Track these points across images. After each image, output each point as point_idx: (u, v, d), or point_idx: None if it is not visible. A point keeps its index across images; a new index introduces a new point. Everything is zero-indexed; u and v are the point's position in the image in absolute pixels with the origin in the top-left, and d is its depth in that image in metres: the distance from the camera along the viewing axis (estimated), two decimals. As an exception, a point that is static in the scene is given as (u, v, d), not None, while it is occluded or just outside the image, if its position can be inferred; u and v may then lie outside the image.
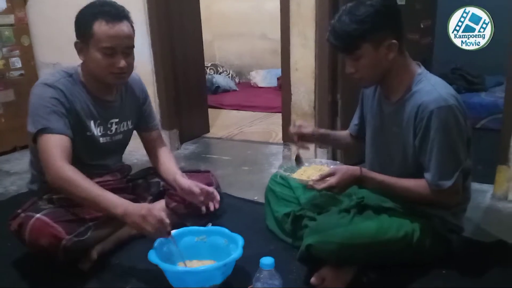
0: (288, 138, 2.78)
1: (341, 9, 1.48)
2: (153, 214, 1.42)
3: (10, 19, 3.23)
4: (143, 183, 1.94)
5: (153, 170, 1.97)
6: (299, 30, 2.59)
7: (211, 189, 1.75)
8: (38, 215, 1.55)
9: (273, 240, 1.85)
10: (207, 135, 3.69)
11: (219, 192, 1.92)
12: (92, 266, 1.65)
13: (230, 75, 5.80)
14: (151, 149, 1.93)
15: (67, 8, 3.09)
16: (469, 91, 3.92)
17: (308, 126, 1.76)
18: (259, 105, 4.64)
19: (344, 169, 1.50)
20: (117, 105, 1.78)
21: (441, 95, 1.41)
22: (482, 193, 2.30)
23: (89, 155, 1.71)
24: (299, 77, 2.68)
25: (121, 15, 1.59)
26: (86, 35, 1.57)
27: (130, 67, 1.65)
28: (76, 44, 1.62)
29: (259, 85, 5.62)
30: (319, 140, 1.78)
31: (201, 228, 1.66)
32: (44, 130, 1.54)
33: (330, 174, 1.48)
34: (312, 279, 1.51)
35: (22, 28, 3.31)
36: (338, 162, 1.85)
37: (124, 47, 1.60)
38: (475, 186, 2.03)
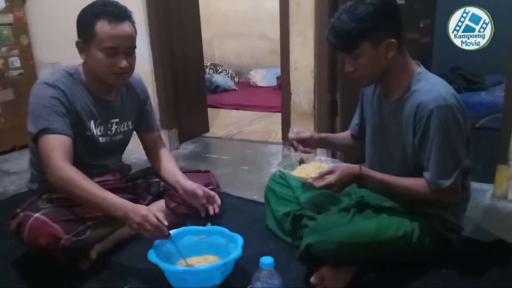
0: (287, 138, 2.78)
1: (340, 8, 1.47)
2: (149, 221, 1.42)
3: (9, 18, 3.22)
4: (143, 183, 1.94)
5: (152, 170, 1.97)
6: (298, 29, 2.59)
7: (213, 193, 1.75)
8: (37, 215, 1.54)
9: (272, 240, 1.85)
10: (207, 134, 3.69)
11: (219, 192, 1.92)
12: (91, 266, 1.64)
13: (229, 74, 5.80)
14: (151, 150, 1.93)
15: (66, 8, 3.12)
16: (468, 90, 3.92)
17: (306, 131, 1.76)
18: (258, 104, 4.64)
19: (343, 167, 1.50)
20: (117, 105, 1.78)
21: (441, 94, 1.41)
22: (482, 192, 2.30)
23: (88, 155, 1.71)
24: (298, 76, 2.68)
25: (124, 15, 1.59)
26: (88, 34, 1.56)
27: (131, 67, 1.65)
28: (77, 43, 1.62)
29: (259, 85, 5.62)
30: (319, 143, 1.78)
31: (201, 227, 1.66)
32: (45, 131, 1.54)
33: (329, 172, 1.48)
34: (312, 279, 1.51)
35: (21, 27, 3.30)
36: (337, 160, 1.85)
37: (126, 48, 1.60)
38: (474, 185, 2.03)
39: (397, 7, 1.50)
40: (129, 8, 1.64)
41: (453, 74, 4.04)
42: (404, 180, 1.52)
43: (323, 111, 2.66)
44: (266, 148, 3.25)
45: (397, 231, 1.48)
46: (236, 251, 1.44)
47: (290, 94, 2.73)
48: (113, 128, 1.78)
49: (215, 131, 3.79)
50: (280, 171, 1.70)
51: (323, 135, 1.87)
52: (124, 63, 1.59)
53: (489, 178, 2.30)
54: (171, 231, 1.51)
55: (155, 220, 1.42)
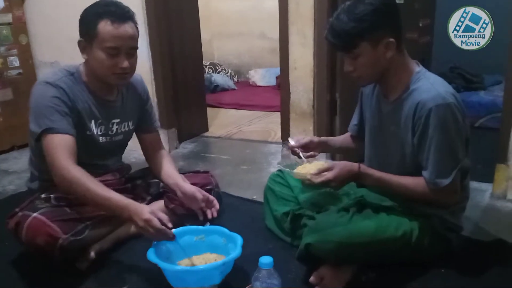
0: (286, 137, 2.78)
1: (339, 7, 1.47)
2: (152, 225, 1.41)
3: (8, 17, 3.22)
4: (142, 183, 1.93)
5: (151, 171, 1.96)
6: (298, 29, 2.59)
7: (212, 197, 1.76)
8: (35, 214, 1.54)
9: (272, 239, 1.85)
10: (206, 134, 3.69)
11: (218, 192, 1.92)
12: (90, 265, 1.64)
13: (228, 74, 5.80)
14: (149, 151, 1.93)
15: (65, 7, 3.13)
16: (468, 90, 3.92)
17: (305, 137, 1.76)
18: (258, 104, 4.64)
19: (342, 165, 1.51)
20: (118, 105, 1.78)
21: (440, 93, 1.41)
22: (481, 192, 2.30)
23: (88, 155, 1.70)
24: (298, 76, 2.68)
25: (127, 15, 1.59)
26: (90, 34, 1.56)
27: (132, 68, 1.65)
28: (79, 43, 1.62)
29: (258, 84, 5.62)
30: (319, 146, 1.78)
31: (200, 227, 1.66)
32: (48, 130, 1.54)
33: (328, 169, 1.48)
34: (311, 278, 1.51)
35: (20, 27, 3.30)
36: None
37: (128, 48, 1.60)
38: (474, 185, 2.03)
39: (396, 7, 1.50)
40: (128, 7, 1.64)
41: (452, 73, 4.04)
42: (403, 179, 1.52)
43: (322, 110, 2.66)
44: (265, 148, 3.25)
45: (397, 231, 1.48)
46: (235, 251, 1.44)
47: (290, 93, 2.73)
48: (114, 128, 1.78)
49: (215, 130, 3.78)
50: (279, 170, 1.70)
51: (322, 138, 1.87)
52: (125, 64, 1.59)
53: (488, 177, 2.30)
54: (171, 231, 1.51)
55: (158, 224, 1.42)
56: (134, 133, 1.92)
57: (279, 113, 2.99)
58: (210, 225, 1.68)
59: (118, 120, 1.78)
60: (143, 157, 1.97)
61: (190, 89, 3.47)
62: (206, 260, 1.56)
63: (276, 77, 5.14)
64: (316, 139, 1.79)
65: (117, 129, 1.79)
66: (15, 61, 3.28)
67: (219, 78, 5.42)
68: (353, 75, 1.53)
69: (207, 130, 3.75)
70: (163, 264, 1.41)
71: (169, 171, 1.84)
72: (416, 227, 1.51)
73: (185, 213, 1.80)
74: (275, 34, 2.82)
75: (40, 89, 1.59)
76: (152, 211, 1.44)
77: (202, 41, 3.66)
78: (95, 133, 1.71)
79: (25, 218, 1.54)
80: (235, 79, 5.88)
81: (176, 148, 3.28)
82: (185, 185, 1.77)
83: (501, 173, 2.23)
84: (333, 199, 1.69)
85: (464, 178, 1.54)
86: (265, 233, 1.90)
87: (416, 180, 1.50)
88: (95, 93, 1.69)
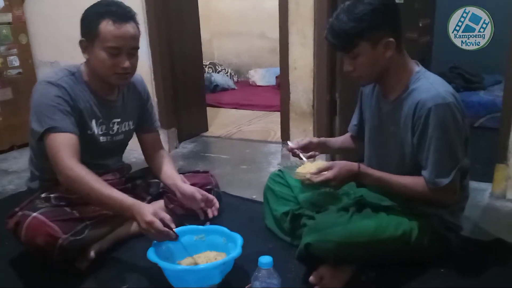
0: (286, 137, 2.78)
1: (339, 7, 1.48)
2: (155, 228, 1.41)
3: (8, 17, 3.22)
4: (142, 183, 1.93)
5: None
6: (298, 28, 2.59)
7: (211, 196, 1.76)
8: (34, 214, 1.54)
9: (271, 239, 1.85)
10: (206, 133, 3.69)
11: (218, 192, 1.92)
12: (89, 265, 1.64)
13: (228, 73, 5.80)
14: (149, 151, 1.93)
15: (65, 7, 3.13)
16: (467, 90, 3.92)
17: (304, 139, 1.76)
18: (257, 103, 4.64)
19: (342, 164, 1.51)
20: (119, 105, 1.78)
21: (439, 93, 1.41)
22: (481, 191, 2.30)
23: (89, 155, 1.70)
24: (297, 76, 2.68)
25: (128, 15, 1.59)
26: (91, 33, 1.57)
27: (133, 68, 1.65)
28: (81, 42, 1.62)
29: (258, 84, 5.62)
30: (319, 146, 1.78)
31: (200, 227, 1.66)
32: (51, 129, 1.54)
33: (328, 168, 1.48)
34: (311, 278, 1.51)
35: (20, 26, 3.30)
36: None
37: (129, 48, 1.60)
38: (473, 184, 2.03)
39: (396, 6, 1.51)
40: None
41: (452, 73, 4.04)
42: (402, 179, 1.52)
43: (322, 110, 2.66)
44: (265, 148, 3.25)
45: (396, 231, 1.48)
46: (235, 250, 1.44)
47: (289, 93, 2.73)
48: (115, 128, 1.78)
49: (214, 130, 3.78)
50: (279, 169, 1.70)
51: (321, 139, 1.87)
52: (126, 64, 1.59)
53: (488, 177, 2.30)
54: None
55: (160, 227, 1.41)
56: (134, 133, 1.92)
57: (279, 113, 2.99)
58: (210, 224, 1.68)
59: (118, 120, 1.78)
60: (143, 157, 1.97)
61: (190, 89, 3.47)
62: (206, 259, 1.56)
63: (276, 77, 5.14)
64: (315, 140, 1.79)
65: (117, 128, 1.79)
66: (15, 61, 3.28)
67: (219, 78, 5.42)
68: (352, 75, 1.53)
69: (207, 130, 3.75)
70: (163, 264, 1.41)
71: (169, 172, 1.84)
72: (416, 226, 1.51)
73: (184, 213, 1.80)
74: (275, 34, 2.82)
75: (42, 89, 1.59)
76: (154, 212, 1.44)
77: (202, 41, 3.66)
78: (96, 132, 1.72)
79: (25, 218, 1.54)
80: (235, 79, 5.87)
81: (176, 147, 3.28)
82: (184, 185, 1.77)
83: (500, 172, 2.24)
84: (333, 199, 1.69)
85: (464, 178, 1.55)
86: (265, 232, 1.90)
87: (415, 179, 1.50)
88: (96, 92, 1.69)
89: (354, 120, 1.85)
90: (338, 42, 1.47)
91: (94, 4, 1.61)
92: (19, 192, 2.42)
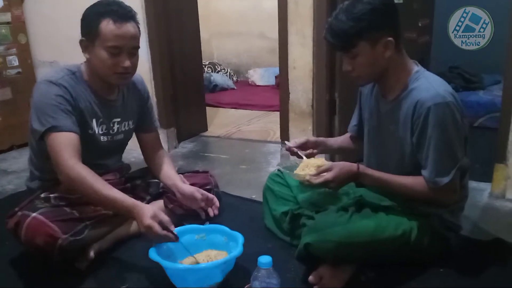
0: (285, 136, 2.78)
1: (338, 7, 1.48)
2: (154, 231, 1.42)
3: (7, 17, 3.21)
4: (142, 183, 1.93)
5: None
6: (297, 28, 2.59)
7: (211, 195, 1.76)
8: (34, 214, 1.54)
9: (271, 239, 1.85)
10: (205, 133, 3.69)
11: (217, 192, 1.92)
12: (89, 265, 1.64)
13: (228, 73, 5.79)
14: (149, 151, 1.92)
15: (64, 7, 3.12)
16: (466, 90, 3.92)
17: (301, 138, 1.76)
18: (257, 103, 4.64)
19: (341, 165, 1.51)
20: (119, 105, 1.78)
21: (439, 92, 1.41)
22: (480, 191, 2.30)
23: (89, 154, 1.70)
24: (297, 75, 2.68)
25: (129, 15, 1.59)
26: (92, 33, 1.57)
27: (134, 67, 1.65)
28: (81, 42, 1.62)
29: (257, 84, 5.62)
30: (317, 144, 1.78)
31: (201, 226, 1.66)
32: (52, 129, 1.54)
33: (327, 169, 1.48)
34: (310, 278, 1.51)
35: (19, 26, 3.30)
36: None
37: (130, 48, 1.60)
38: (472, 184, 2.04)
39: (395, 6, 1.51)
40: (127, 6, 1.64)
41: (451, 73, 4.03)
42: (402, 178, 1.52)
43: (321, 110, 2.66)
44: (264, 147, 3.25)
45: (396, 230, 1.48)
46: (237, 249, 1.45)
47: (289, 93, 2.73)
48: (115, 128, 1.78)
49: (214, 130, 3.78)
50: (279, 170, 1.71)
51: (319, 138, 1.88)
52: (127, 63, 1.59)
53: (487, 177, 2.30)
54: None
55: (159, 231, 1.42)
56: (133, 133, 1.92)
57: (278, 113, 2.99)
58: (209, 224, 1.68)
59: (119, 120, 1.78)
60: (142, 157, 1.97)
61: (189, 89, 3.46)
62: (207, 257, 1.55)
63: (275, 77, 5.14)
64: (312, 138, 1.79)
65: (118, 128, 1.79)
66: (14, 61, 3.28)
67: (218, 78, 5.42)
68: (351, 75, 1.53)
69: (206, 129, 3.75)
70: (165, 263, 1.41)
71: (168, 172, 1.84)
72: (415, 226, 1.51)
73: (184, 213, 1.81)
74: (274, 33, 2.82)
75: (43, 88, 1.59)
76: (154, 215, 1.44)
77: (201, 41, 3.66)
78: (97, 132, 1.72)
79: (25, 218, 1.54)
80: (234, 79, 5.87)
81: (175, 147, 3.28)
82: (183, 186, 1.77)
83: (499, 172, 2.24)
84: (332, 198, 1.69)
85: (463, 177, 1.55)
86: (264, 232, 1.90)
87: (415, 179, 1.50)
88: (96, 92, 1.69)
89: (353, 121, 1.85)
90: (337, 41, 1.47)
91: (95, 4, 1.61)
92: (18, 192, 2.42)
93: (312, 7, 2.50)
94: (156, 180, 1.91)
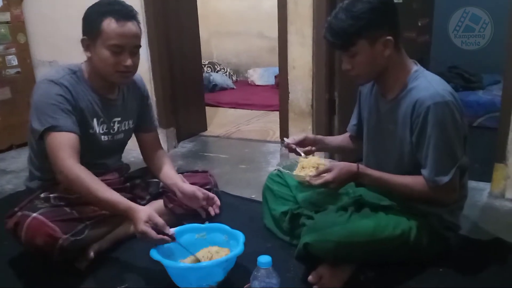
0: (285, 136, 2.78)
1: (338, 6, 1.48)
2: (149, 237, 1.42)
3: (6, 16, 3.21)
4: (141, 183, 1.93)
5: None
6: (296, 28, 2.59)
7: (212, 194, 1.76)
8: (34, 214, 1.54)
9: (270, 239, 1.85)
10: (205, 133, 3.69)
11: (217, 192, 1.92)
12: (89, 265, 1.64)
13: (227, 73, 5.80)
14: (148, 150, 1.92)
15: (63, 7, 3.12)
16: (466, 89, 3.92)
17: (300, 135, 1.77)
18: (256, 103, 4.64)
19: (341, 165, 1.51)
20: (119, 104, 1.78)
21: (438, 91, 1.41)
22: (479, 191, 2.30)
23: (90, 154, 1.70)
24: (296, 75, 2.67)
25: (130, 14, 1.60)
26: (94, 32, 1.57)
27: (135, 66, 1.66)
28: (82, 41, 1.62)
29: (257, 83, 5.62)
30: (315, 142, 1.78)
31: (201, 225, 1.65)
32: (51, 128, 1.54)
33: (327, 170, 1.48)
34: (310, 277, 1.51)
35: (18, 25, 3.29)
36: (335, 160, 1.84)
37: (132, 46, 1.61)
38: (472, 184, 2.04)
39: (394, 5, 1.51)
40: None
41: (450, 73, 4.04)
42: (402, 178, 1.52)
43: (321, 110, 2.66)
44: (264, 147, 3.25)
45: (395, 230, 1.48)
46: (238, 248, 1.45)
47: (288, 93, 2.73)
48: (115, 127, 1.78)
49: (213, 129, 3.78)
50: (278, 170, 1.71)
51: (318, 136, 1.88)
52: (129, 62, 1.60)
53: (487, 176, 2.30)
54: (173, 229, 1.51)
55: (154, 236, 1.42)
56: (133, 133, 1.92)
57: (277, 113, 2.99)
58: (209, 223, 1.68)
59: (119, 119, 1.78)
60: (142, 157, 1.97)
61: (188, 88, 3.46)
62: (208, 253, 1.55)
63: (275, 76, 5.14)
64: (311, 135, 1.80)
65: (118, 127, 1.79)
66: (13, 60, 3.27)
67: (218, 77, 5.42)
68: (351, 74, 1.53)
69: (205, 129, 3.75)
70: (166, 262, 1.41)
71: (168, 172, 1.84)
72: (415, 226, 1.51)
73: (184, 212, 1.81)
74: (274, 33, 2.82)
75: (44, 87, 1.59)
76: (148, 218, 1.44)
77: (200, 40, 3.66)
78: (98, 131, 1.72)
79: (25, 218, 1.54)
80: (234, 78, 5.88)
81: (175, 147, 3.28)
82: (184, 185, 1.77)
83: (499, 172, 2.24)
84: (332, 198, 1.69)
85: (463, 176, 1.55)
86: (264, 232, 1.90)
87: (415, 178, 1.50)
88: (97, 91, 1.70)
89: (353, 120, 1.85)
90: (336, 40, 1.47)
91: (97, 3, 1.62)
92: (17, 191, 2.41)
93: (311, 7, 2.50)
94: (156, 180, 1.91)
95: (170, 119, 3.22)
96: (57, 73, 1.63)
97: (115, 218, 1.73)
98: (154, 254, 1.43)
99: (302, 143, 1.73)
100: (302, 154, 1.67)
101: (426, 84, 1.45)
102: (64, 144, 1.53)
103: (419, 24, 3.17)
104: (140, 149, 1.95)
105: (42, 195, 1.65)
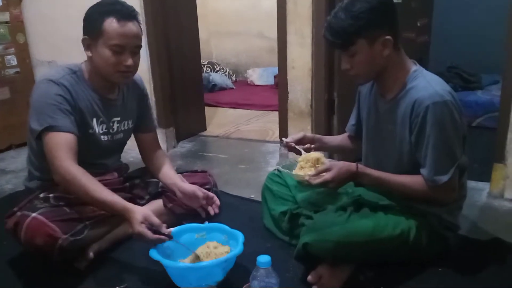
0: (284, 136, 2.78)
1: (337, 5, 1.48)
2: (146, 238, 1.42)
3: (5, 16, 3.21)
4: (141, 183, 1.93)
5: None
6: (296, 28, 2.59)
7: (211, 194, 1.76)
8: (34, 214, 1.54)
9: (269, 238, 1.85)
10: (204, 133, 3.69)
11: (216, 192, 1.92)
12: (88, 265, 1.64)
13: (226, 73, 5.79)
14: (147, 151, 1.92)
15: (62, 7, 3.12)
16: (465, 90, 3.93)
17: (298, 134, 1.77)
18: (255, 103, 4.64)
19: (340, 165, 1.51)
20: (119, 104, 1.78)
21: (437, 91, 1.41)
22: (478, 191, 2.30)
23: (89, 154, 1.70)
24: (296, 75, 2.68)
25: (132, 14, 1.61)
26: (95, 31, 1.57)
27: (136, 66, 1.66)
28: (83, 41, 1.63)
29: (256, 83, 5.62)
30: (314, 141, 1.78)
31: (201, 225, 1.65)
32: (50, 128, 1.53)
33: (326, 169, 1.48)
34: (309, 277, 1.51)
35: (17, 25, 3.29)
36: (334, 160, 1.84)
37: (133, 46, 1.61)
38: (471, 184, 2.03)
39: (394, 5, 1.51)
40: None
41: (450, 73, 4.04)
42: (401, 178, 1.53)
43: (320, 110, 2.66)
44: (263, 147, 3.25)
45: (394, 230, 1.48)
46: (237, 247, 1.45)
47: (288, 93, 2.73)
48: (115, 127, 1.78)
49: (212, 129, 3.78)
50: (278, 169, 1.71)
51: (316, 135, 1.88)
52: (130, 61, 1.61)
53: (486, 176, 2.31)
54: (172, 229, 1.51)
55: (150, 235, 1.42)
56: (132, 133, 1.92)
57: (277, 113, 2.99)
58: (208, 223, 1.68)
59: (118, 119, 1.78)
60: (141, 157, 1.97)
61: (188, 88, 3.46)
62: (206, 249, 1.55)
63: (274, 76, 5.14)
64: (309, 134, 1.80)
65: (117, 127, 1.79)
66: (12, 60, 3.27)
67: (217, 77, 5.42)
68: (350, 73, 1.53)
69: (205, 129, 3.75)
70: (166, 262, 1.41)
71: (167, 172, 1.84)
72: (414, 226, 1.51)
73: (183, 212, 1.81)
74: (273, 33, 2.82)
75: (43, 87, 1.59)
76: (144, 218, 1.44)
77: (200, 40, 3.66)
78: (97, 131, 1.72)
79: (24, 218, 1.54)
80: (233, 78, 5.87)
81: (174, 147, 3.28)
82: (184, 184, 1.77)
83: (498, 172, 2.24)
84: (331, 198, 1.69)
85: (462, 176, 1.55)
86: (263, 232, 1.90)
87: (414, 178, 1.50)
88: (97, 91, 1.70)
89: (352, 120, 1.85)
90: (336, 39, 1.47)
91: (98, 3, 1.62)
92: (17, 191, 2.41)
93: (311, 7, 2.50)
94: (155, 180, 1.91)
95: (170, 119, 3.22)
96: (57, 73, 1.63)
97: (115, 218, 1.72)
98: (154, 254, 1.43)
99: (300, 141, 1.74)
100: (302, 152, 1.68)
101: (425, 84, 1.45)
102: (62, 145, 1.53)
103: (418, 24, 3.17)
104: (139, 149, 1.94)
105: (41, 195, 1.65)
